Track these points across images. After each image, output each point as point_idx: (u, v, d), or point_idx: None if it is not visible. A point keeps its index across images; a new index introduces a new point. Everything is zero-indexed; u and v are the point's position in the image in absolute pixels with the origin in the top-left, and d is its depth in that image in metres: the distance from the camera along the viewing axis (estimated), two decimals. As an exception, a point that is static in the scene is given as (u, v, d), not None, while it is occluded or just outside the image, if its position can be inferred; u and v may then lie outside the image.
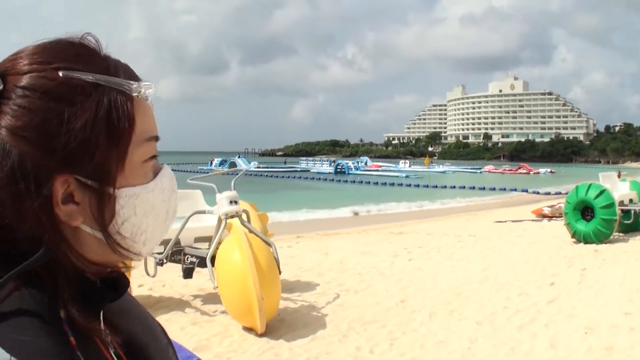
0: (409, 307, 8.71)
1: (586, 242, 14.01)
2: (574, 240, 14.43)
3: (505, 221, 21.56)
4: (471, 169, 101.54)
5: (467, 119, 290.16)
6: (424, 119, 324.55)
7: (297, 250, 14.71)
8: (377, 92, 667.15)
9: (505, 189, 46.64)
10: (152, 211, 0.89)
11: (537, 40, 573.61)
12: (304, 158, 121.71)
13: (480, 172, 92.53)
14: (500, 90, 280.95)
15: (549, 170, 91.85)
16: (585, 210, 14.34)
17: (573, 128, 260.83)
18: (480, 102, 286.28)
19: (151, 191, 0.88)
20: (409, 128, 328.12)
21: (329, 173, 76.04)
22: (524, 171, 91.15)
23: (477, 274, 11.01)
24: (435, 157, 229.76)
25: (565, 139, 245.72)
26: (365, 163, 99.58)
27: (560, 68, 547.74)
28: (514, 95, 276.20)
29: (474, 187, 49.54)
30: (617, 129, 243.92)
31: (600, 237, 13.88)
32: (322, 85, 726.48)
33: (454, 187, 51.58)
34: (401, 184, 57.23)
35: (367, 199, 36.33)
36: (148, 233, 0.89)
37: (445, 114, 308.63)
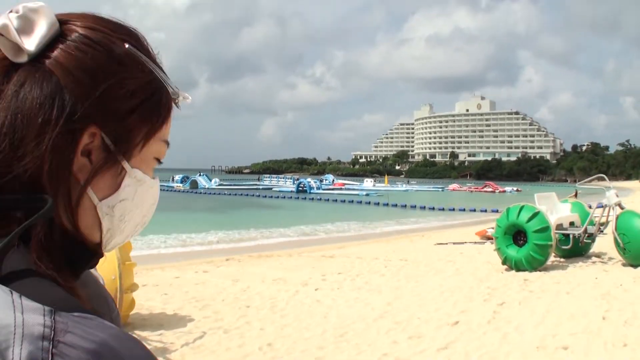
0: (270, 353, 7.43)
1: (518, 270, 12.48)
2: (505, 267, 12.87)
3: (447, 243, 20.44)
4: (433, 188, 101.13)
5: (434, 137, 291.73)
6: (392, 138, 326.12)
7: (208, 276, 13.86)
8: (346, 111, 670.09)
9: (464, 210, 46.03)
10: (142, 205, 0.90)
11: (503, 61, 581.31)
12: (268, 176, 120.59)
13: (443, 191, 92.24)
14: (467, 110, 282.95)
15: (515, 188, 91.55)
16: (517, 235, 12.81)
17: (540, 147, 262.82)
18: (447, 121, 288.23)
19: (151, 187, 0.90)
20: (376, 147, 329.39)
21: (291, 191, 75.04)
22: (490, 189, 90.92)
23: (378, 309, 9.61)
24: (402, 176, 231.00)
25: (532, 158, 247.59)
26: (332, 181, 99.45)
27: (527, 88, 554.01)
28: (481, 114, 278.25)
29: (433, 208, 48.96)
30: (584, 148, 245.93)
31: (534, 264, 12.33)
32: (291, 103, 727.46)
33: (415, 206, 51.32)
34: (360, 202, 57.43)
35: (323, 218, 36.17)
36: (129, 224, 0.89)
37: (413, 133, 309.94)
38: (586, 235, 13.12)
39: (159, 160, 0.92)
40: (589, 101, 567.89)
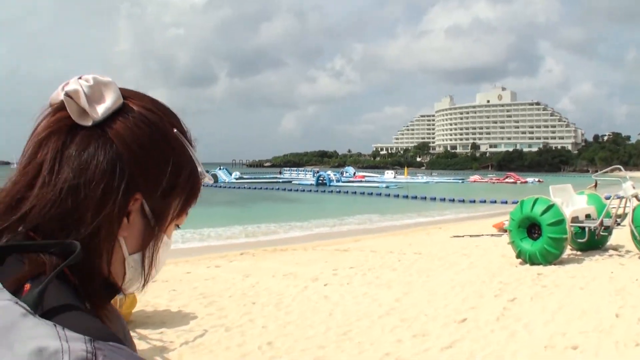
0: (269, 353, 7.26)
1: (532, 264, 12.18)
2: (520, 260, 12.58)
3: (463, 236, 20.13)
4: (454, 179, 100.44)
5: (455, 129, 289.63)
6: (412, 130, 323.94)
7: (220, 271, 13.81)
8: (366, 103, 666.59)
9: (485, 201, 45.65)
10: (160, 262, 1.05)
11: (523, 51, 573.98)
12: (288, 169, 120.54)
13: (463, 182, 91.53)
14: (488, 101, 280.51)
15: (536, 179, 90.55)
16: (531, 228, 12.50)
17: (561, 138, 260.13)
18: (468, 113, 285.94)
19: (169, 247, 1.06)
20: (397, 139, 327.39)
21: (311, 184, 74.85)
22: (512, 180, 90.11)
23: (385, 305, 9.41)
24: (423, 168, 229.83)
25: (554, 148, 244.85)
26: (353, 174, 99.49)
27: (548, 79, 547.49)
28: (502, 105, 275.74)
29: (453, 200, 48.65)
30: (605, 138, 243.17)
31: (548, 258, 12.03)
32: (312, 97, 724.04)
33: (434, 198, 51.20)
34: (380, 194, 57.20)
35: (341, 211, 36.19)
36: (155, 273, 1.05)
37: (434, 125, 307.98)
38: (602, 228, 12.77)
39: (178, 227, 1.08)
40: (610, 91, 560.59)
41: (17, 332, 0.76)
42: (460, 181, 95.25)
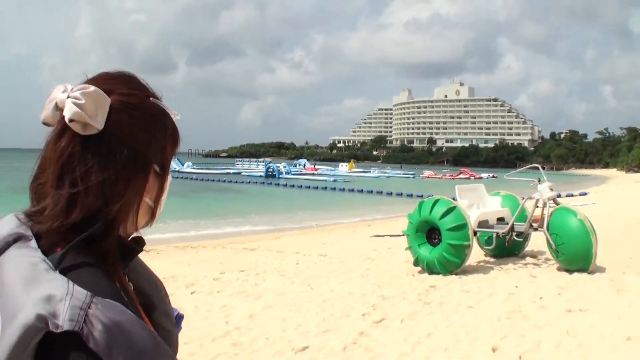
0: None
1: (431, 272, 10.66)
2: (419, 268, 11.05)
3: (384, 235, 18.66)
4: (405, 174, 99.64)
5: (412, 123, 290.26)
6: (370, 123, 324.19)
7: None
8: (326, 95, 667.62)
9: (432, 196, 44.38)
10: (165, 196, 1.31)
11: (483, 48, 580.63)
12: (241, 160, 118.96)
13: (414, 177, 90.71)
14: (446, 96, 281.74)
15: (491, 175, 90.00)
16: (431, 233, 10.96)
17: (518, 134, 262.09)
18: (425, 107, 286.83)
19: (170, 183, 1.31)
20: (354, 132, 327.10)
21: (260, 176, 73.51)
22: (465, 176, 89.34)
23: (233, 323, 7.99)
24: (379, 161, 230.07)
25: (510, 144, 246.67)
26: (304, 166, 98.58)
27: (506, 75, 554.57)
28: (460, 100, 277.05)
29: (401, 194, 48.25)
30: (562, 135, 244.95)
31: (448, 267, 10.50)
32: (271, 87, 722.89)
33: (381, 192, 51.07)
34: (325, 188, 56.62)
35: (280, 206, 36.22)
36: (161, 208, 1.31)
37: (391, 118, 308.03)
38: (514, 233, 11.22)
39: None
40: (569, 89, 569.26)
41: (37, 282, 1.00)
42: (411, 176, 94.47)
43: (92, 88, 1.13)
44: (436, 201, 10.85)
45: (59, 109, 1.13)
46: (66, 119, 1.11)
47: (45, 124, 1.16)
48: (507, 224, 11.30)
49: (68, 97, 1.12)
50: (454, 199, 11.46)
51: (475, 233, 10.99)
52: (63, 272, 1.03)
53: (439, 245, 10.56)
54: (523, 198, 11.85)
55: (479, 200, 12.18)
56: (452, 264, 10.45)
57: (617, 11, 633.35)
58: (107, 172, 1.12)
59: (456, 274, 10.48)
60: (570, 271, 10.15)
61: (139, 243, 1.24)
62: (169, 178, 1.29)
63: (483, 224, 11.35)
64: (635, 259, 11.18)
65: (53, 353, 0.98)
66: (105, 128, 1.12)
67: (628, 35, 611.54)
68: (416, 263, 11.00)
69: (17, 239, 1.10)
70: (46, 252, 1.08)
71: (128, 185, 1.15)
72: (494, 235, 11.06)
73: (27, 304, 0.97)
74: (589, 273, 9.95)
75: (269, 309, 8.66)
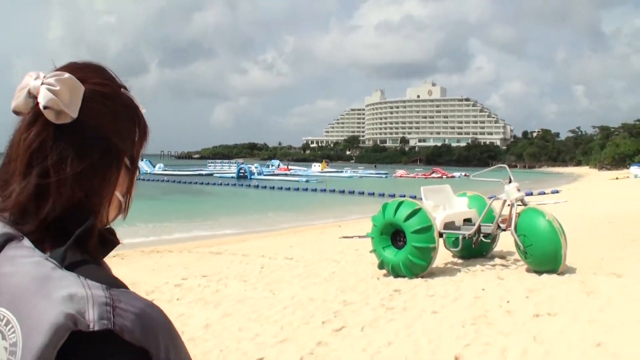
0: None
1: (396, 276, 10.34)
2: (385, 271, 10.72)
3: (352, 237, 18.36)
4: (377, 174, 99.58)
5: (385, 123, 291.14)
6: (343, 123, 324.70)
7: None
8: (298, 96, 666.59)
9: (404, 196, 44.20)
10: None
11: (454, 48, 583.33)
12: (213, 161, 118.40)
13: (387, 177, 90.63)
14: (418, 96, 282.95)
15: (463, 174, 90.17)
16: (396, 235, 10.63)
17: (490, 133, 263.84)
18: (398, 107, 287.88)
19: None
20: (327, 132, 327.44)
21: (232, 177, 73.02)
22: (437, 175, 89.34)
23: (186, 334, 7.29)
24: (352, 161, 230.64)
25: (482, 143, 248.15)
26: (277, 166, 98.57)
27: (478, 76, 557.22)
28: (432, 100, 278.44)
29: (373, 193, 48.06)
30: (534, 134, 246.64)
31: (414, 270, 10.17)
32: (243, 88, 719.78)
33: (353, 192, 50.96)
34: (298, 189, 56.19)
35: (251, 207, 35.53)
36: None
37: (364, 119, 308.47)
38: (481, 235, 10.92)
39: None
40: (540, 89, 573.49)
41: (51, 281, 0.96)
42: (384, 176, 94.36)
43: (66, 75, 1.10)
44: (400, 203, 10.52)
45: (32, 96, 1.09)
46: (40, 106, 1.07)
47: (16, 112, 1.12)
48: (474, 225, 11.01)
49: (42, 83, 1.08)
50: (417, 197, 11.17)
51: (441, 235, 10.69)
52: (68, 269, 1.01)
53: (404, 247, 10.24)
54: (490, 198, 11.59)
55: (445, 201, 11.88)
56: (418, 267, 10.13)
57: (589, 13, 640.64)
58: (83, 163, 1.09)
59: (422, 277, 10.17)
60: (539, 272, 9.89)
61: (113, 234, 1.22)
62: (137, 172, 1.26)
63: (449, 225, 11.06)
64: (606, 259, 10.93)
65: (85, 353, 0.95)
66: (79, 117, 1.09)
67: (599, 36, 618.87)
68: (381, 266, 10.69)
69: (7, 240, 1.05)
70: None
71: (103, 177, 1.13)
72: (460, 237, 10.75)
73: (51, 305, 0.94)
74: (558, 274, 9.69)
75: (227, 317, 8.29)
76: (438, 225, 10.48)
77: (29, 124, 1.09)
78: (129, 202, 1.25)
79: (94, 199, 1.12)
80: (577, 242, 12.17)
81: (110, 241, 1.17)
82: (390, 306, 8.25)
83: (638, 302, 7.81)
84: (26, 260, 1.00)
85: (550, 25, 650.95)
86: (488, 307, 7.90)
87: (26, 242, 1.04)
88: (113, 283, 1.02)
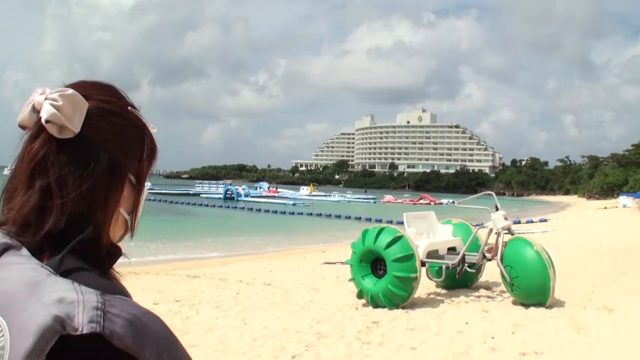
0: None
1: (376, 306, 9.83)
2: (364, 301, 10.21)
3: (335, 263, 17.83)
4: (365, 199, 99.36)
5: (374, 148, 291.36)
6: (332, 147, 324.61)
7: None
8: (289, 119, 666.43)
9: (392, 221, 44.00)
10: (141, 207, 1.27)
11: (445, 75, 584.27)
12: (200, 182, 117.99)
13: (375, 202, 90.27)
14: (408, 122, 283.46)
15: (451, 200, 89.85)
16: (376, 263, 10.12)
17: (479, 161, 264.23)
18: (387, 132, 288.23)
19: (145, 194, 1.27)
20: (317, 155, 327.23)
21: (219, 198, 72.42)
22: (426, 202, 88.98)
23: None
24: (341, 185, 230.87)
25: (471, 171, 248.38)
26: (267, 188, 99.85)
27: (468, 103, 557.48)
28: (422, 126, 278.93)
29: (359, 218, 47.83)
30: (523, 163, 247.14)
31: (394, 300, 9.65)
32: (234, 110, 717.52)
33: (339, 216, 50.86)
34: (284, 212, 55.87)
35: (236, 230, 35.03)
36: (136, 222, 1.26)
37: (354, 143, 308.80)
38: (466, 265, 10.42)
39: None
40: (530, 118, 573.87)
41: (44, 286, 0.95)
42: (372, 201, 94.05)
43: (70, 91, 1.10)
44: (381, 230, 10.02)
45: (36, 110, 1.10)
46: (42, 120, 1.08)
47: (21, 127, 1.13)
48: (459, 254, 10.53)
49: (46, 98, 1.09)
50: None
51: (423, 264, 10.19)
52: (63, 276, 0.99)
53: (384, 277, 9.75)
54: (477, 226, 11.12)
55: (429, 229, 11.41)
56: (398, 297, 9.63)
57: (579, 43, 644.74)
58: (85, 178, 1.08)
59: (403, 308, 9.67)
60: (526, 305, 9.44)
61: (117, 248, 1.18)
62: (145, 191, 1.25)
63: (433, 254, 10.57)
64: (596, 292, 10.48)
65: (71, 356, 0.92)
66: (82, 132, 1.09)
67: (589, 66, 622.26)
68: (360, 295, 10.19)
69: (6, 248, 1.05)
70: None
71: (106, 192, 1.11)
72: (444, 266, 10.27)
73: (41, 307, 0.92)
74: (546, 308, 9.24)
75: (192, 348, 7.72)
76: (420, 253, 10.01)
77: (32, 138, 1.10)
78: (136, 220, 1.24)
79: (98, 214, 1.10)
80: (566, 273, 11.74)
81: (112, 253, 1.16)
82: (367, 340, 7.72)
83: (629, 338, 7.36)
84: (22, 267, 1.00)
85: (540, 54, 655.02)
86: (471, 342, 7.40)
87: (24, 251, 1.04)
88: (110, 290, 1.00)
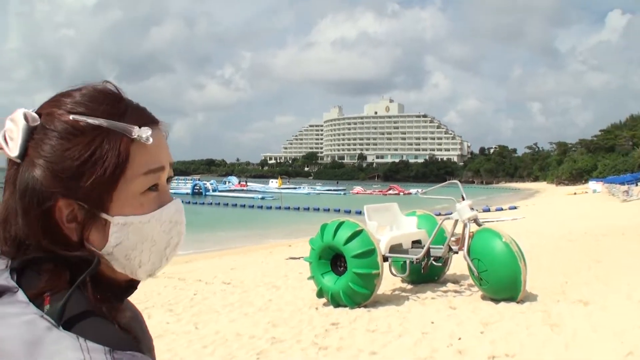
0: None
1: (337, 305, 9.23)
2: (325, 300, 9.60)
3: (299, 258, 17.15)
4: (334, 190, 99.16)
5: (343, 139, 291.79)
6: (301, 140, 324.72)
7: None
8: (256, 112, 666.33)
9: (360, 212, 43.80)
10: (148, 239, 1.04)
11: (411, 65, 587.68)
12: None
13: (345, 194, 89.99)
14: (376, 112, 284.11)
15: (420, 190, 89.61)
16: (337, 260, 9.51)
17: (447, 150, 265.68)
18: (355, 123, 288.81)
19: (147, 222, 1.03)
20: (286, 148, 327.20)
21: (187, 194, 71.65)
22: (394, 192, 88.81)
23: None
24: (310, 177, 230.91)
25: (439, 160, 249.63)
26: (238, 182, 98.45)
27: (435, 93, 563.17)
28: (389, 117, 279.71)
29: (328, 209, 47.58)
30: (492, 150, 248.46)
31: (356, 299, 9.04)
32: (201, 104, 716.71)
33: (308, 208, 50.78)
34: (252, 206, 55.70)
35: (202, 225, 33.72)
36: (143, 257, 1.05)
37: (322, 135, 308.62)
38: (431, 259, 9.82)
39: (156, 187, 1.05)
40: (496, 106, 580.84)
41: (43, 346, 0.84)
42: (342, 193, 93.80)
43: (16, 112, 1.02)
44: (340, 224, 9.36)
45: None
46: None
47: None
48: (418, 248, 9.95)
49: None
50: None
51: (386, 259, 9.59)
52: (66, 327, 0.88)
53: (345, 274, 9.12)
54: (440, 215, 10.56)
55: (392, 221, 10.79)
56: (360, 296, 9.01)
57: (543, 31, 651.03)
58: (17, 202, 1.00)
59: (365, 307, 9.04)
60: (496, 300, 8.85)
61: (119, 282, 1.08)
62: (140, 219, 1.02)
63: (396, 248, 9.96)
64: (570, 283, 9.95)
65: None
66: (24, 156, 1.00)
67: (554, 54, 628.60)
68: (320, 294, 9.55)
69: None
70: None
71: (27, 223, 0.99)
72: (407, 261, 9.66)
73: None
74: (517, 302, 8.65)
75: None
76: (383, 248, 9.40)
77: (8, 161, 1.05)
78: (124, 258, 1.03)
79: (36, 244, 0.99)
80: (537, 263, 11.27)
81: (125, 290, 1.09)
82: (324, 345, 7.09)
83: (607, 335, 6.81)
84: (17, 321, 0.88)
85: (505, 43, 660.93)
86: (436, 345, 6.80)
87: (20, 295, 0.92)
88: (119, 344, 0.89)
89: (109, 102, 1.05)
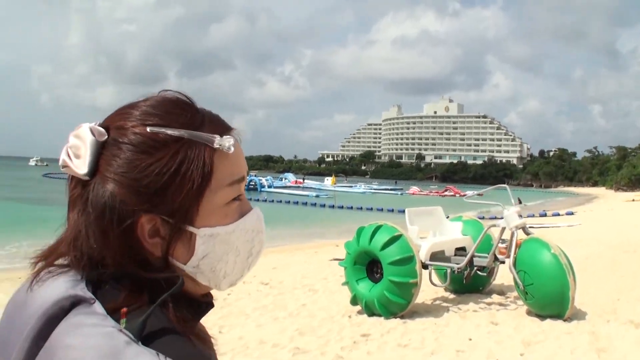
0: None
1: (371, 314, 8.72)
2: (359, 308, 9.10)
3: (342, 259, 16.67)
4: (392, 189, 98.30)
5: (401, 138, 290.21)
6: (359, 138, 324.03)
7: None
8: (315, 110, 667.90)
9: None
10: (233, 249, 1.02)
11: (472, 65, 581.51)
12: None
13: (401, 194, 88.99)
14: (435, 112, 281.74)
15: (477, 192, 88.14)
16: (373, 265, 8.99)
17: (507, 151, 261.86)
18: (414, 123, 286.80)
19: (232, 232, 1.01)
20: (343, 146, 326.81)
21: (242, 189, 71.48)
22: (451, 194, 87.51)
23: None
24: (367, 176, 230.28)
25: (498, 162, 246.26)
26: (294, 179, 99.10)
27: (495, 93, 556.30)
28: (448, 117, 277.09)
29: (381, 209, 46.79)
30: (551, 153, 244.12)
31: (391, 309, 8.51)
32: (260, 101, 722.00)
33: (361, 208, 49.46)
34: (306, 203, 55.30)
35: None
36: (228, 268, 1.03)
37: (380, 133, 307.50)
38: (474, 268, 9.22)
39: (239, 197, 1.03)
40: (557, 108, 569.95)
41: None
42: (398, 193, 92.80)
43: (79, 128, 0.98)
44: (378, 227, 8.85)
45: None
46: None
47: None
48: (461, 256, 9.37)
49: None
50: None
51: (426, 267, 9.04)
52: (144, 343, 0.85)
53: (381, 281, 8.61)
54: (486, 223, 9.95)
55: (435, 226, 10.21)
56: (396, 305, 8.48)
57: (605, 31, 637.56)
58: (94, 223, 0.94)
59: (401, 317, 8.53)
60: (542, 317, 8.24)
61: (207, 294, 1.08)
62: (226, 229, 1.00)
63: (438, 255, 9.40)
64: (622, 300, 9.26)
65: None
66: (95, 173, 0.96)
67: (615, 55, 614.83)
68: (354, 301, 9.06)
69: (75, 302, 0.90)
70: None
71: (103, 239, 0.93)
72: (448, 270, 9.09)
73: None
74: (564, 320, 8.04)
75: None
76: (423, 255, 8.86)
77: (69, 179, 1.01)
78: (213, 266, 1.01)
79: (109, 260, 0.94)
80: (590, 275, 10.61)
81: (205, 306, 1.06)
82: (349, 359, 6.61)
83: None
84: (94, 331, 0.85)
85: (566, 43, 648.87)
86: (471, 366, 6.26)
87: (98, 307, 0.89)
88: None
89: (185, 112, 1.01)
